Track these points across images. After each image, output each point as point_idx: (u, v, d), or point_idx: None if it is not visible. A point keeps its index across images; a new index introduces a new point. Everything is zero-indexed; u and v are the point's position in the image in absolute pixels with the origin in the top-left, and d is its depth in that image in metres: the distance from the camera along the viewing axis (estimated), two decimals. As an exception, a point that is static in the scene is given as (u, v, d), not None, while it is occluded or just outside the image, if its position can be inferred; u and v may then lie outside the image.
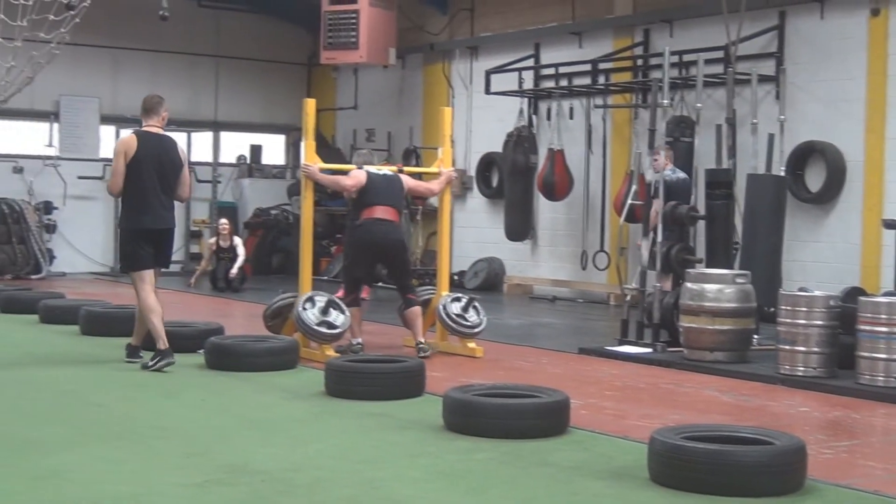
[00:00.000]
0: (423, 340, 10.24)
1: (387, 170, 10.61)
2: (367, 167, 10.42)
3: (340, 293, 15.86)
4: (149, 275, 9.53)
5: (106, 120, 20.16)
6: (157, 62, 20.84)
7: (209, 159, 21.40)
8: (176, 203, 9.75)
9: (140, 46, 20.56)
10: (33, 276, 18.43)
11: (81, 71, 19.84)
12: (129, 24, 20.35)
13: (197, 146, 21.29)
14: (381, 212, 10.17)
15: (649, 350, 10.56)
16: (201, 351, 9.64)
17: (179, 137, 20.72)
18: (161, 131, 9.71)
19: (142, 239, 9.49)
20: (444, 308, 10.48)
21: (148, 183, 9.44)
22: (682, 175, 11.72)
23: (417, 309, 10.40)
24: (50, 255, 19.04)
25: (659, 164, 11.34)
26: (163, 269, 9.85)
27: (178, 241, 20.70)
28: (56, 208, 19.39)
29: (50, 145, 19.66)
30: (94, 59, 20.08)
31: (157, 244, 9.58)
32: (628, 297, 11.32)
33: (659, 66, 13.06)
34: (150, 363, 9.26)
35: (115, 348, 10.27)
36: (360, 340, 10.22)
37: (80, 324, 11.32)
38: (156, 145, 9.56)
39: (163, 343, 9.32)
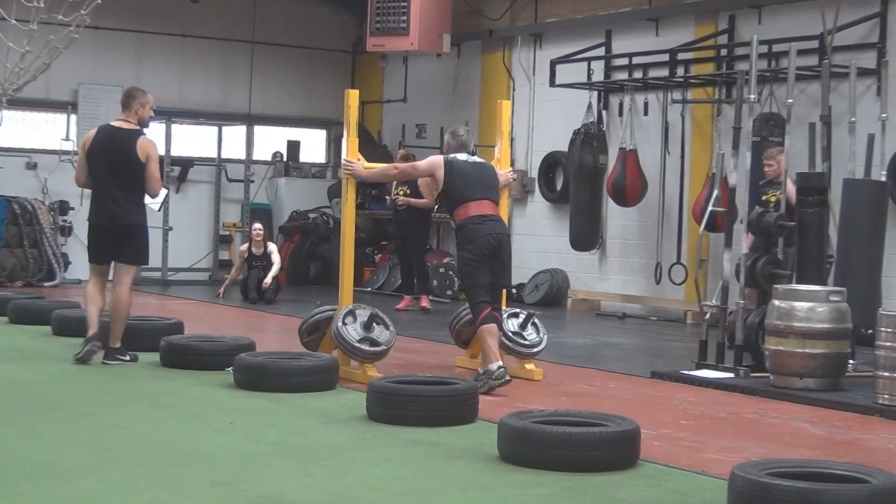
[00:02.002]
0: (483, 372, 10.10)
1: (476, 158, 10.40)
2: (455, 155, 10.16)
3: (403, 303, 16.01)
4: (98, 269, 10.65)
5: (129, 111, 20.34)
6: (187, 48, 21.02)
7: (241, 156, 21.49)
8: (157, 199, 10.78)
9: (168, 31, 20.74)
10: (46, 284, 18.59)
11: (103, 57, 20.04)
12: (157, 6, 20.57)
13: (229, 141, 21.43)
14: (479, 207, 9.86)
15: (730, 375, 10.50)
16: (230, 369, 9.70)
17: (209, 132, 21.17)
18: (123, 125, 10.52)
19: (94, 232, 10.62)
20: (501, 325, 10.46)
21: (99, 178, 10.48)
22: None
23: (495, 328, 9.95)
24: (65, 261, 19.18)
25: (774, 170, 11.34)
26: (140, 266, 10.87)
27: (207, 247, 20.97)
28: (73, 209, 19.49)
29: (67, 139, 19.83)
30: (118, 44, 20.28)
31: (113, 239, 10.55)
32: (707, 316, 11.28)
33: (745, 57, 13.02)
34: (78, 351, 10.46)
35: (135, 365, 10.41)
36: (501, 364, 9.62)
37: (99, 335, 11.42)
38: (109, 140, 10.50)
39: (91, 330, 10.49)
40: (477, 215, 9.84)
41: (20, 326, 13.13)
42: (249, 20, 21.57)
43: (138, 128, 10.54)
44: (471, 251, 9.81)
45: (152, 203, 11.57)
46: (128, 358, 10.53)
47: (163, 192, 11.09)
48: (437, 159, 10.20)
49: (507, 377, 9.55)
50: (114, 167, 10.40)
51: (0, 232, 18.67)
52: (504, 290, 10.57)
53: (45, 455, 6.93)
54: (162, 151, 19.77)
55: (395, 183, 16.07)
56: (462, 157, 10.11)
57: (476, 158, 10.27)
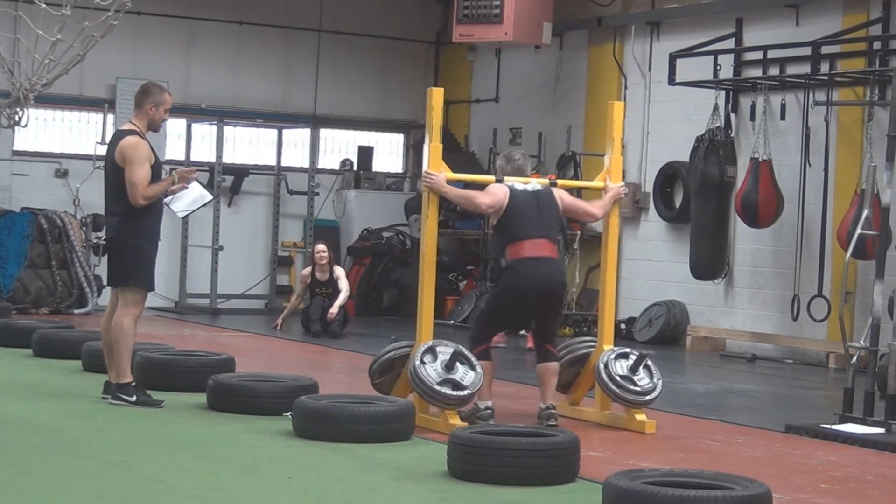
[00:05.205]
0: (553, 405, 10.34)
1: (535, 182, 10.62)
2: (510, 180, 10.44)
3: (531, 343, 15.89)
4: (111, 294, 10.95)
5: (175, 110, 20.33)
6: (242, 37, 21.18)
7: (304, 164, 21.58)
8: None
9: (221, 17, 20.95)
10: (76, 311, 18.78)
11: (146, 47, 20.28)
12: (208, -12, 20.82)
13: (290, 147, 21.58)
14: (532, 247, 10.21)
15: (881, 430, 10.40)
16: (289, 414, 9.76)
17: (267, 135, 21.32)
18: (125, 127, 10.91)
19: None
20: (607, 367, 10.45)
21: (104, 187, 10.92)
22: None
23: (554, 366, 10.51)
24: (98, 284, 19.32)
25: None
26: (133, 290, 10.70)
27: (263, 271, 21.10)
28: (108, 223, 19.74)
29: (102, 142, 20.00)
30: (163, 33, 20.51)
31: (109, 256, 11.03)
32: (854, 359, 11.18)
33: (902, 52, 12.93)
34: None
35: (178, 407, 10.49)
36: (489, 404, 10.30)
37: (133, 374, 11.55)
38: (109, 144, 11.07)
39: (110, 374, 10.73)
40: (529, 257, 10.23)
41: (46, 360, 13.27)
42: (316, 4, 21.68)
43: (133, 128, 10.68)
44: (507, 297, 10.46)
45: (179, 212, 11.74)
46: (133, 399, 10.57)
47: (197, 195, 11.30)
48: (502, 188, 10.38)
49: (492, 420, 10.13)
50: (105, 174, 10.86)
51: (24, 250, 18.85)
52: (613, 325, 10.76)
53: (74, 512, 7.02)
54: (211, 157, 20.16)
55: None
56: (520, 185, 10.44)
57: (534, 185, 10.52)
